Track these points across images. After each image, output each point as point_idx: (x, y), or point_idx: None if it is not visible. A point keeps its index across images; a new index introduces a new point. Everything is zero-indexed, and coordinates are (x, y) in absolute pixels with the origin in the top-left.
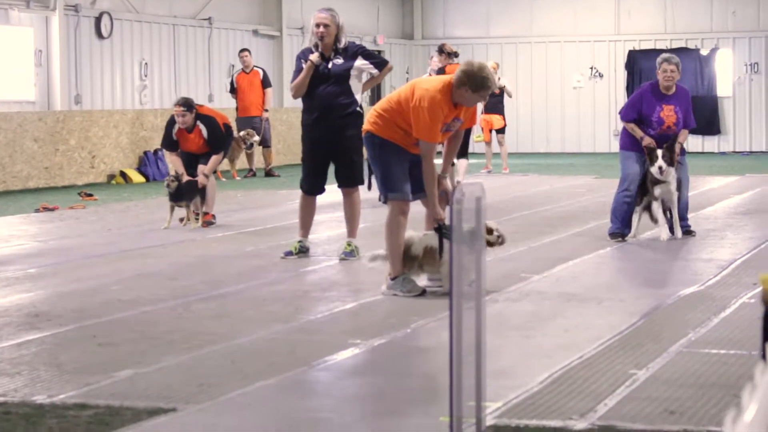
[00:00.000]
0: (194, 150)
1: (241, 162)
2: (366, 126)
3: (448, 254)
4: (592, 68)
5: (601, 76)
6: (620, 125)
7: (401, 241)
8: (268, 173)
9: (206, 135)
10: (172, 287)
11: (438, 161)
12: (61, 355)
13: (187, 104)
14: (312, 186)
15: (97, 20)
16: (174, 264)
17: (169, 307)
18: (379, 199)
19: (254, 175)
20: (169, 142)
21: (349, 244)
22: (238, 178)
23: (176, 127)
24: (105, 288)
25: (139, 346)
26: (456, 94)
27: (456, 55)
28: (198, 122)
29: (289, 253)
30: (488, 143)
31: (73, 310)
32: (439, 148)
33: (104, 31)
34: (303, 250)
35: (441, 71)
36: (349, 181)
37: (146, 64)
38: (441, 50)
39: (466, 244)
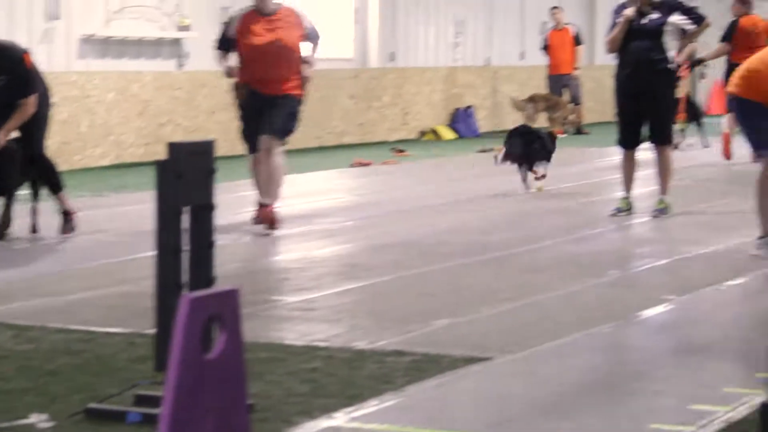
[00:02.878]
0: None
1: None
2: (730, 88)
3: None
4: None
5: None
6: None
7: None
8: (579, 131)
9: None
10: (486, 241)
11: None
12: (379, 304)
13: None
14: (628, 140)
15: None
16: (486, 219)
17: (483, 260)
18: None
19: (565, 133)
20: None
21: (661, 201)
22: (564, 135)
23: None
24: (420, 241)
25: (454, 297)
26: None
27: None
28: None
29: (619, 210)
30: None
31: (389, 262)
32: None
33: None
34: (630, 207)
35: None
36: (660, 138)
37: (460, 21)
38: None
39: None
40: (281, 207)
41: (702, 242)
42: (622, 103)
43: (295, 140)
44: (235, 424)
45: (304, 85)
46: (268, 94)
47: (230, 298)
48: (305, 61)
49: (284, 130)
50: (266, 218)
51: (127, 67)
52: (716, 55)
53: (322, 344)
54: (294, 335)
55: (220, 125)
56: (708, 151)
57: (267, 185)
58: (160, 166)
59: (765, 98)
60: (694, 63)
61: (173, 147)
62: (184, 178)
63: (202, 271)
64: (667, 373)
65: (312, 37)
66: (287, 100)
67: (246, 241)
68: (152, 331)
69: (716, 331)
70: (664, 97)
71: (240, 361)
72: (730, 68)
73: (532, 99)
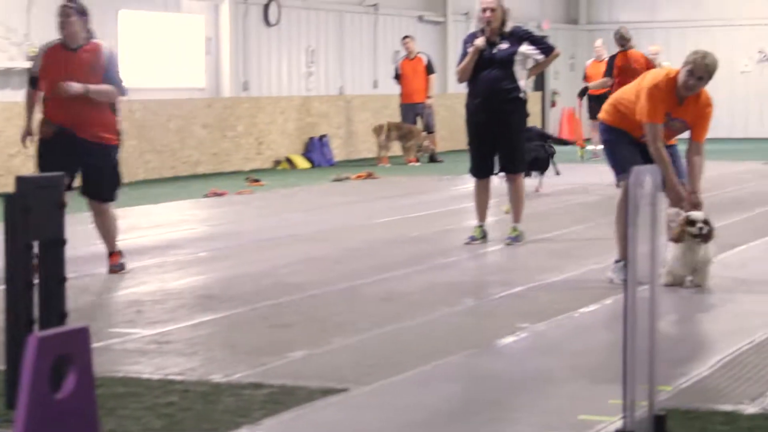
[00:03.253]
0: None
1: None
2: (600, 115)
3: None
4: (760, 52)
5: None
6: None
7: None
8: (432, 159)
9: None
10: (340, 271)
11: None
12: (234, 336)
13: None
14: (480, 169)
15: (266, 8)
16: (341, 248)
17: (337, 291)
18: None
19: (418, 161)
20: None
21: (514, 229)
22: (417, 164)
23: None
24: (275, 271)
25: (309, 327)
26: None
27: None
28: None
29: (473, 238)
30: None
31: (244, 293)
32: None
33: (272, 19)
34: (484, 235)
35: (613, 58)
36: (510, 167)
37: (312, 51)
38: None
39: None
40: (136, 239)
41: (555, 269)
42: (474, 132)
43: (150, 170)
44: None
45: (119, 133)
46: (81, 137)
47: (80, 336)
48: (112, 110)
49: (111, 193)
50: (115, 264)
51: None
52: (601, 86)
53: (178, 378)
54: (150, 369)
55: None
56: (559, 179)
57: (106, 238)
58: (9, 201)
59: (630, 127)
60: (581, 92)
61: (21, 181)
62: (32, 212)
63: (54, 306)
64: (522, 402)
65: (112, 81)
66: (103, 153)
67: (100, 273)
68: (2, 367)
69: (570, 358)
70: (515, 126)
71: (91, 400)
72: (591, 99)
73: (385, 127)
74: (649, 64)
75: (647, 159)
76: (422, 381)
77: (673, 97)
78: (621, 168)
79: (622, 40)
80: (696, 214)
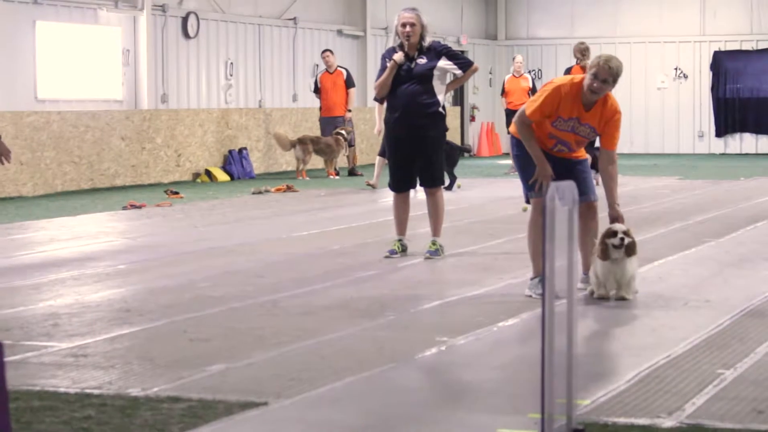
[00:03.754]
0: None
1: (316, 161)
2: (511, 128)
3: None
4: (676, 69)
5: (685, 77)
6: (704, 126)
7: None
8: (352, 172)
9: None
10: (260, 284)
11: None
12: (153, 350)
13: None
14: (399, 183)
15: (184, 20)
16: (261, 261)
17: (257, 304)
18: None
19: (338, 174)
20: None
21: (433, 243)
22: (337, 177)
23: None
24: (194, 284)
25: (229, 341)
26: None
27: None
28: None
29: (393, 252)
30: None
31: (163, 306)
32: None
33: (191, 31)
34: (404, 249)
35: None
36: (429, 181)
37: (231, 63)
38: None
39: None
40: (53, 251)
41: (475, 283)
42: (393, 146)
43: (68, 182)
44: None
45: None
46: None
47: None
48: None
49: None
50: None
51: None
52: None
53: (95, 392)
54: (67, 383)
55: None
56: (479, 192)
57: None
58: None
59: (540, 139)
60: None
61: None
62: None
63: None
64: (440, 416)
65: None
66: None
67: (16, 285)
68: None
69: (489, 372)
70: (433, 140)
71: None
72: (508, 114)
73: (302, 141)
74: None
75: (559, 173)
76: (342, 395)
77: (578, 102)
78: (530, 185)
79: (583, 53)
80: (617, 226)
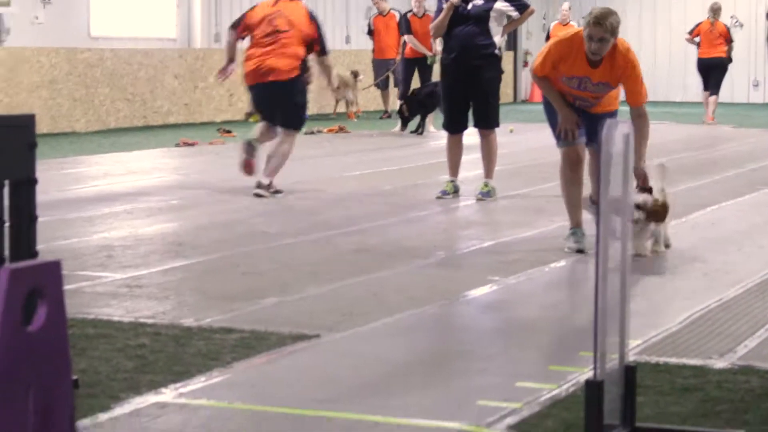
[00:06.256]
0: None
1: (377, 103)
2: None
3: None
4: (732, 17)
5: (741, 25)
6: (759, 75)
7: (574, 191)
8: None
9: None
10: (313, 221)
11: None
12: (205, 282)
13: None
14: (453, 125)
15: None
16: (313, 199)
17: (310, 240)
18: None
19: (389, 116)
20: None
21: (486, 185)
22: (355, 119)
23: None
24: (246, 220)
25: (281, 275)
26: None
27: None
28: None
29: (445, 193)
30: None
31: (215, 240)
32: None
33: None
34: (456, 190)
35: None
36: (484, 123)
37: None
38: None
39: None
40: (107, 185)
41: (527, 225)
42: (448, 87)
43: (121, 119)
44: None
45: None
46: None
47: (53, 269)
48: None
49: None
50: None
51: None
52: None
53: (149, 321)
54: (120, 312)
55: (42, 102)
56: (530, 137)
57: None
58: None
59: (561, 91)
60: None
61: None
62: (3, 152)
63: (24, 246)
64: (492, 352)
65: None
66: None
67: (69, 217)
68: None
69: (540, 311)
70: (489, 82)
71: (63, 335)
72: None
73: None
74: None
75: (586, 124)
76: (393, 331)
77: (582, 60)
78: (558, 134)
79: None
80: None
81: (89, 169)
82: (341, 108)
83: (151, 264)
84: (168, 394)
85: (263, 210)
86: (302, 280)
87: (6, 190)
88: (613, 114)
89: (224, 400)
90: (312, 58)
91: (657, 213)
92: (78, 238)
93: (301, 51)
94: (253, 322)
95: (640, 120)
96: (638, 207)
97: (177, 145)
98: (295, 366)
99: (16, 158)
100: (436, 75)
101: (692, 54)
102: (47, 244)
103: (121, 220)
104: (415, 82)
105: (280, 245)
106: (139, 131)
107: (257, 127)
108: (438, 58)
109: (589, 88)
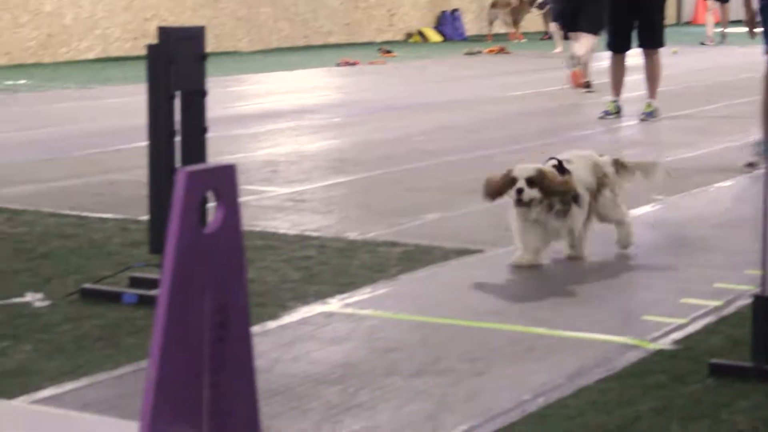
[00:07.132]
0: None
1: (537, 25)
2: None
3: None
4: None
5: None
6: None
7: None
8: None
9: None
10: (475, 139)
11: None
12: (369, 197)
13: None
14: (617, 44)
15: None
16: (475, 118)
17: (472, 158)
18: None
19: (550, 37)
20: None
21: (649, 105)
22: (524, 39)
23: None
24: (408, 138)
25: (444, 192)
26: None
27: None
28: None
29: (607, 113)
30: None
31: (378, 157)
32: None
33: None
34: (618, 110)
35: None
36: (648, 42)
37: None
38: None
39: None
40: (271, 103)
41: (691, 145)
42: (614, 7)
43: (283, 39)
44: (233, 303)
45: None
46: None
47: (228, 172)
48: None
49: None
50: None
51: None
52: None
53: (314, 234)
54: (287, 225)
55: (206, 21)
56: (697, 59)
57: None
58: (152, 50)
59: None
60: None
61: (164, 31)
62: (175, 63)
63: (195, 156)
64: (657, 269)
65: None
66: None
67: (235, 134)
68: (145, 217)
69: (706, 230)
70: (655, 2)
71: (238, 237)
72: None
73: (495, 4)
74: None
75: None
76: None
77: None
78: None
79: None
80: (517, 170)
81: (252, 87)
82: (497, 29)
83: (315, 179)
84: (334, 304)
85: (424, 128)
86: (465, 196)
87: (177, 102)
88: None
89: (390, 310)
90: None
91: (557, 193)
92: (243, 153)
93: None
94: (417, 236)
95: None
96: (531, 181)
97: (338, 64)
98: (459, 279)
99: (187, 70)
100: None
101: None
102: (213, 159)
103: (285, 136)
104: None
105: (441, 162)
106: (300, 51)
107: None
108: None
109: None
